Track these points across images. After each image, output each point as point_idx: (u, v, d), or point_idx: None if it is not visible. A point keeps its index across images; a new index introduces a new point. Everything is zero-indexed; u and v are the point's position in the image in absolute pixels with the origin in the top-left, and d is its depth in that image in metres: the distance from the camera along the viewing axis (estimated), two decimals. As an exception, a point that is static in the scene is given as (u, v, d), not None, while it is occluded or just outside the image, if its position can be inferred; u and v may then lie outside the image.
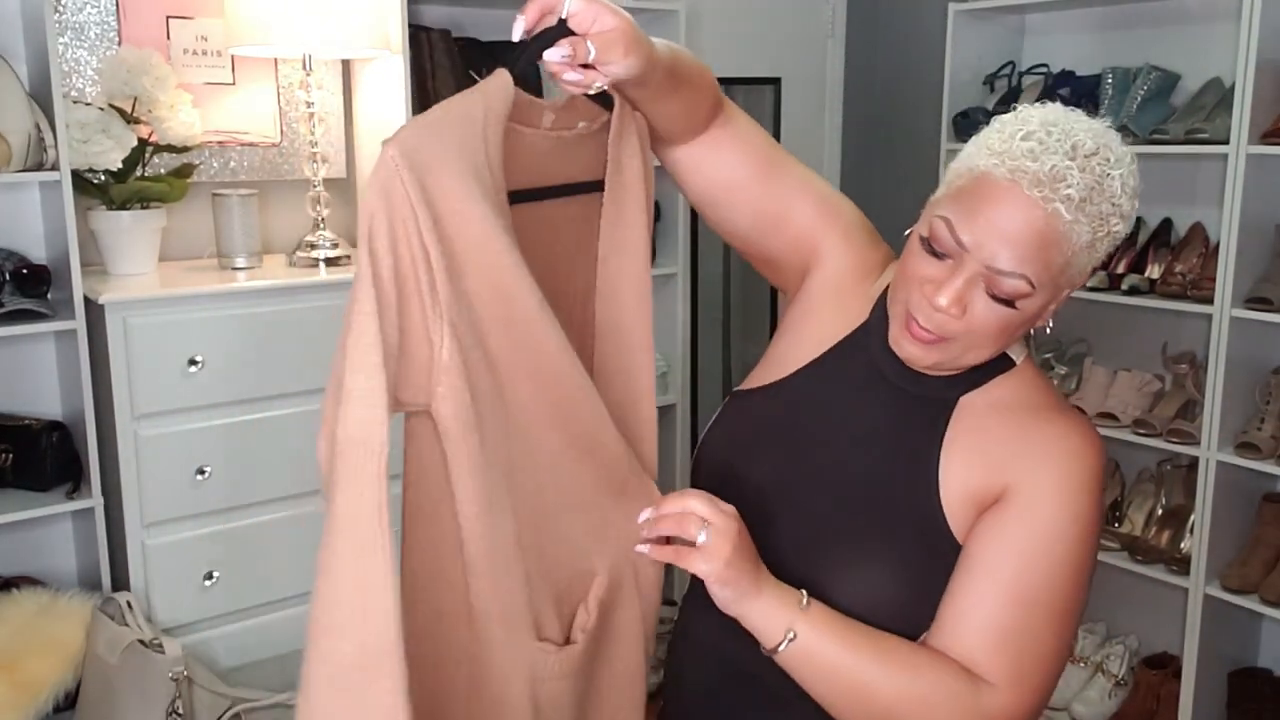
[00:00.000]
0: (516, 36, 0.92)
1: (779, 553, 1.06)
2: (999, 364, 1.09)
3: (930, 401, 1.08)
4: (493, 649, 0.99)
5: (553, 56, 0.90)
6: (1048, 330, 1.07)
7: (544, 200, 1.03)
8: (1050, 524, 1.01)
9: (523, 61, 0.93)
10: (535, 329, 0.94)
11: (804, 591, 1.02)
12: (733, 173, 1.15)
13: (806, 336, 1.18)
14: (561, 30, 0.90)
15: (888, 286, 1.12)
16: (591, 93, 0.96)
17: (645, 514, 1.04)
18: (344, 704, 0.83)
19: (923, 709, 0.99)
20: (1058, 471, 1.02)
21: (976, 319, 0.99)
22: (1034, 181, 0.93)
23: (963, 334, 1.00)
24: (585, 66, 0.91)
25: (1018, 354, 1.11)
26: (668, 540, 1.04)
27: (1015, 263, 0.95)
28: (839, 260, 1.18)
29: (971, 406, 1.08)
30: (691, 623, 1.18)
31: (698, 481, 1.16)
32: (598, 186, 1.07)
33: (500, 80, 0.92)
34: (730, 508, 1.01)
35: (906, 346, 1.03)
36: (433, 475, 0.94)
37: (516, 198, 0.97)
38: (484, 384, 0.91)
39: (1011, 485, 1.03)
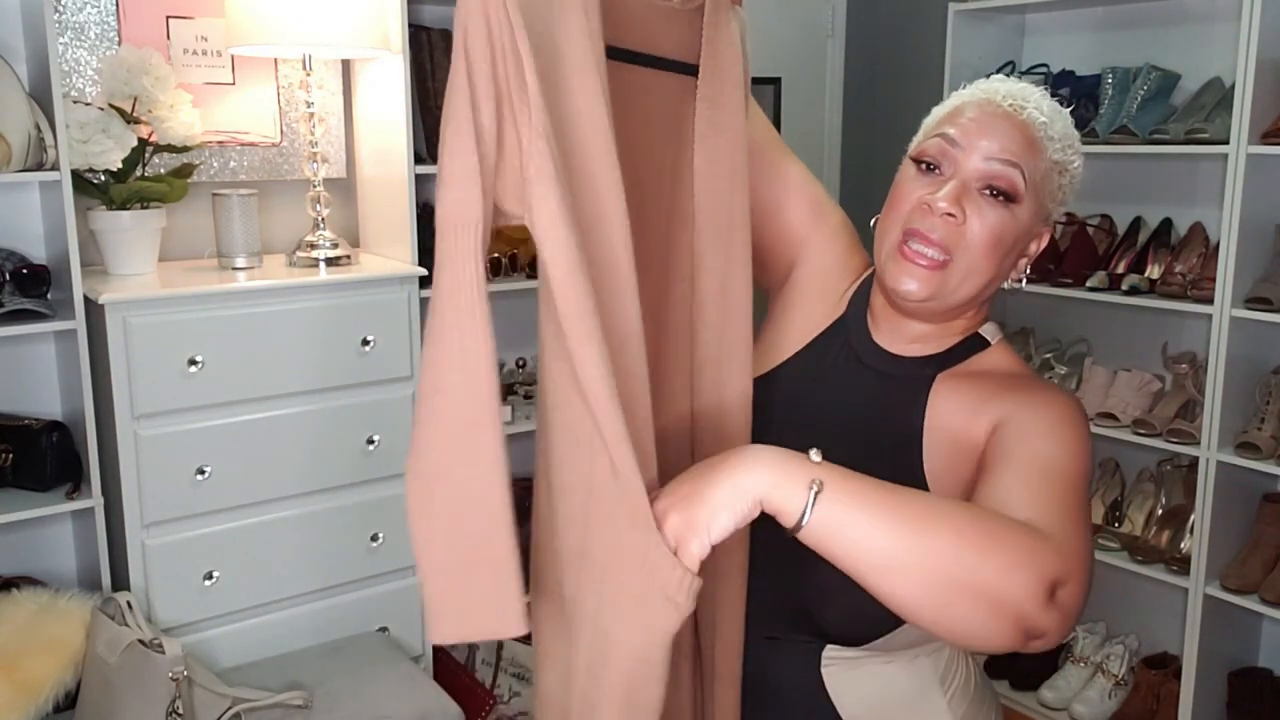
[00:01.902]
0: None
1: (773, 543, 1.05)
2: (974, 344, 1.12)
3: (909, 381, 1.11)
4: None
5: None
6: (1023, 283, 1.12)
7: (636, 65, 1.02)
8: (1052, 426, 1.00)
9: None
10: (606, 213, 0.93)
11: (811, 449, 0.88)
12: None
13: (791, 329, 1.21)
14: None
15: (863, 281, 1.19)
16: None
17: None
18: (455, 455, 0.89)
19: (988, 550, 0.83)
20: (1045, 404, 1.03)
21: (973, 229, 1.04)
22: (1006, 95, 1.06)
23: (960, 251, 1.04)
24: None
25: (993, 335, 1.14)
26: None
27: (1008, 152, 1.04)
28: (824, 257, 1.22)
29: (950, 380, 1.10)
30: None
31: None
32: (692, 70, 1.06)
33: None
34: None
35: (904, 279, 1.06)
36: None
37: (610, 54, 0.95)
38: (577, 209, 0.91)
39: (1002, 417, 1.03)
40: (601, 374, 0.87)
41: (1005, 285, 1.11)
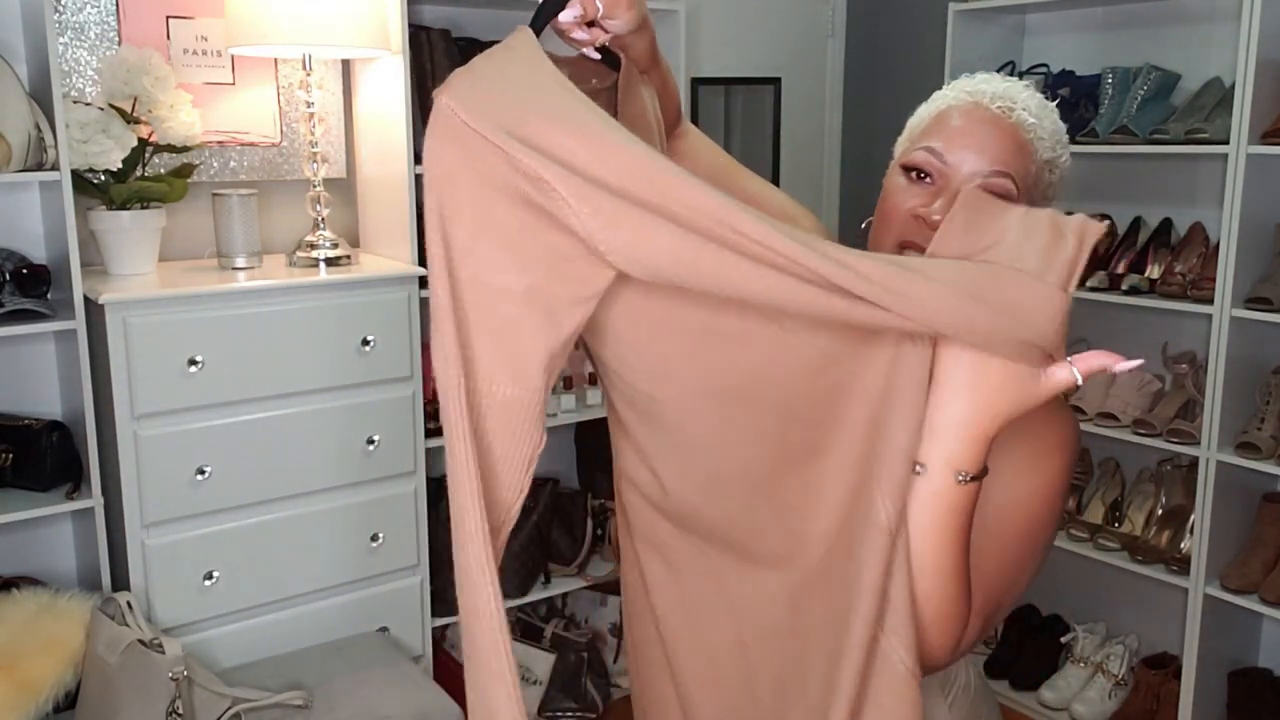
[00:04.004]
0: None
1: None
2: None
3: None
4: None
5: (566, 17, 0.99)
6: None
7: None
8: (1017, 479, 1.00)
9: (540, 21, 0.97)
10: None
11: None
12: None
13: None
14: None
15: None
16: (596, 49, 1.02)
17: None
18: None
19: (935, 611, 0.94)
20: (1032, 439, 1.01)
21: None
22: (993, 97, 1.05)
23: None
24: (590, 24, 0.99)
25: None
26: None
27: (997, 163, 1.03)
28: None
29: None
30: None
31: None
32: None
33: (524, 35, 0.94)
34: None
35: None
36: None
37: None
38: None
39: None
40: None
41: None
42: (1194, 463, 2.58)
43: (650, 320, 0.90)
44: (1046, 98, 1.09)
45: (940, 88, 1.14)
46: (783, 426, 0.92)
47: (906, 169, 1.07)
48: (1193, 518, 2.58)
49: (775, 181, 3.35)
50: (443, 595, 2.43)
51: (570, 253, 0.83)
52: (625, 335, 0.92)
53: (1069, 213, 0.93)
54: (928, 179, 1.05)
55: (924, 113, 1.10)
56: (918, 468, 0.89)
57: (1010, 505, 1.00)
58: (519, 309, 0.85)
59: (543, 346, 0.85)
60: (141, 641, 1.85)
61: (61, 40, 2.19)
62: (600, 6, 0.99)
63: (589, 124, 0.83)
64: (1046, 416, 1.01)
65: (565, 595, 2.95)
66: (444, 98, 0.84)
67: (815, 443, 0.92)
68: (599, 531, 2.86)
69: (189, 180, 2.27)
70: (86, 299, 2.00)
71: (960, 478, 0.89)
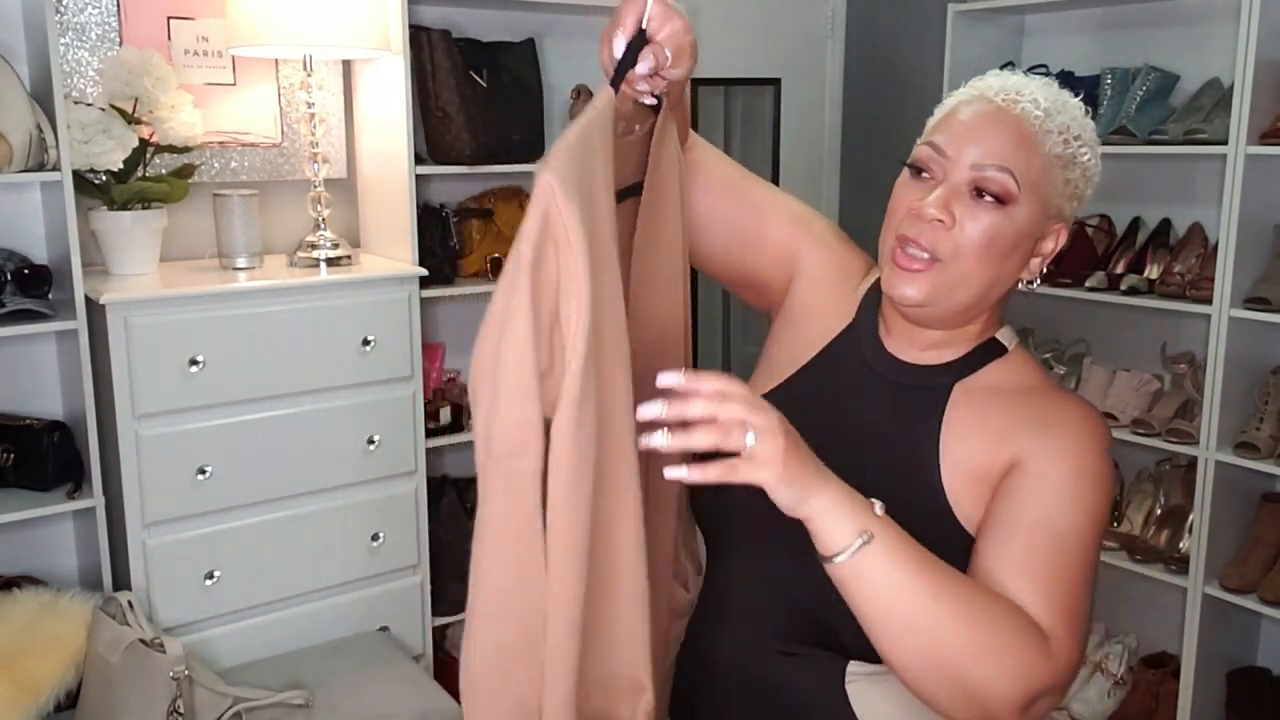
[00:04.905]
0: (619, 51, 0.98)
1: (791, 560, 1.04)
2: (991, 350, 1.10)
3: (924, 391, 1.09)
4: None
5: (641, 69, 0.98)
6: (1035, 284, 1.09)
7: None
8: (1067, 480, 1.00)
9: (620, 76, 0.99)
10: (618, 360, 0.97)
11: (875, 500, 0.94)
12: (706, 192, 1.19)
13: (796, 342, 1.19)
14: (641, 39, 0.99)
15: (873, 285, 1.16)
16: (655, 97, 1.03)
17: (658, 439, 0.90)
18: (494, 684, 0.94)
19: (992, 652, 0.91)
20: (1065, 437, 1.02)
21: (965, 232, 1.02)
22: (999, 90, 1.04)
23: (952, 255, 1.02)
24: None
25: (1009, 340, 1.12)
26: (706, 457, 0.91)
27: (996, 157, 1.01)
28: (819, 265, 1.21)
29: (967, 391, 1.08)
30: (704, 639, 1.16)
31: (700, 495, 1.15)
32: (637, 189, 1.09)
33: (606, 96, 0.97)
34: (763, 402, 0.92)
35: (899, 285, 1.05)
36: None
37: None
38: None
39: (1020, 456, 1.02)
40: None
41: (1020, 286, 1.09)
42: (1193, 462, 2.58)
43: None
44: None
45: (940, 88, 1.15)
46: None
47: (911, 166, 1.07)
48: (1191, 517, 2.59)
49: (775, 182, 3.36)
50: (443, 595, 2.44)
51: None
52: None
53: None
54: (928, 175, 1.05)
55: (938, 111, 1.09)
56: (862, 538, 0.90)
57: (1070, 508, 0.99)
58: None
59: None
60: (142, 641, 1.85)
61: (63, 41, 2.19)
62: (670, 56, 1.00)
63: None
64: (1065, 433, 1.02)
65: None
66: (545, 175, 0.87)
67: None
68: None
69: (190, 181, 2.27)
70: (88, 299, 2.00)
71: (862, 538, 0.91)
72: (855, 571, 0.91)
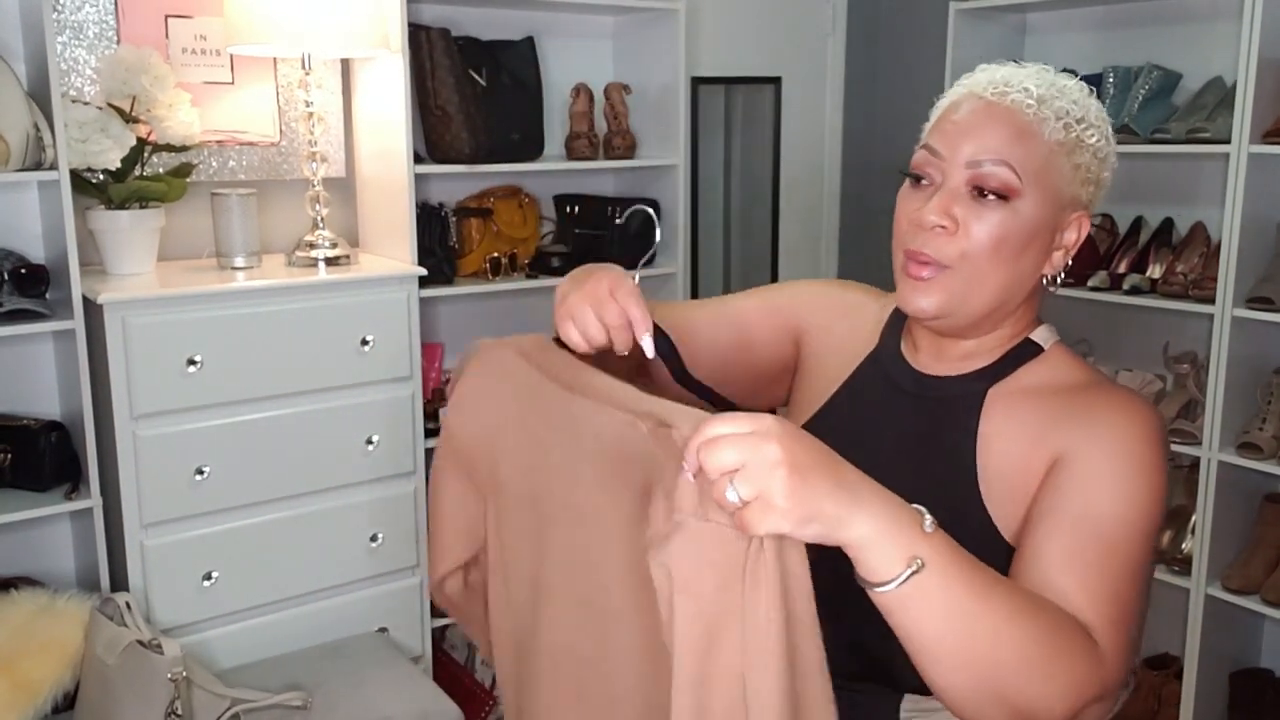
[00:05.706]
0: (651, 351, 1.04)
1: (835, 584, 1.00)
2: (1025, 351, 1.07)
3: (956, 402, 1.07)
4: None
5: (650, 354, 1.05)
6: (1060, 279, 1.06)
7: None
8: (1110, 469, 0.95)
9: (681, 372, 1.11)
10: None
11: (923, 509, 0.82)
12: (693, 342, 1.19)
13: (816, 387, 1.19)
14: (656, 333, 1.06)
15: (894, 311, 1.15)
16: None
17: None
18: None
19: (1044, 671, 0.85)
20: (1109, 425, 0.97)
21: (971, 234, 0.99)
22: (988, 85, 1.02)
23: (959, 259, 1.00)
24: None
25: (1045, 339, 1.09)
26: None
27: (991, 151, 0.99)
28: (814, 317, 1.22)
29: (1003, 396, 1.05)
30: None
31: None
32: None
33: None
34: (762, 417, 0.78)
35: (910, 297, 1.03)
36: None
37: None
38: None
39: (1062, 451, 0.98)
40: None
41: (1045, 283, 1.06)
42: (1195, 463, 2.57)
43: None
44: None
45: (941, 87, 1.14)
46: None
47: (910, 175, 1.05)
48: (1194, 518, 2.58)
49: (775, 181, 3.35)
50: (442, 596, 2.43)
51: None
52: None
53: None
54: (925, 181, 1.03)
55: (931, 114, 1.07)
56: (915, 563, 0.80)
57: (1115, 500, 0.94)
58: None
59: None
60: (140, 642, 1.84)
61: (60, 39, 2.18)
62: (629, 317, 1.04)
63: None
64: (1112, 424, 0.98)
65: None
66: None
67: None
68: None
69: (188, 180, 2.26)
70: (85, 299, 1.99)
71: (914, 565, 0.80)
72: (903, 602, 0.80)
